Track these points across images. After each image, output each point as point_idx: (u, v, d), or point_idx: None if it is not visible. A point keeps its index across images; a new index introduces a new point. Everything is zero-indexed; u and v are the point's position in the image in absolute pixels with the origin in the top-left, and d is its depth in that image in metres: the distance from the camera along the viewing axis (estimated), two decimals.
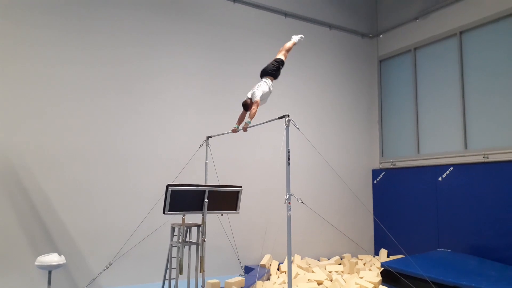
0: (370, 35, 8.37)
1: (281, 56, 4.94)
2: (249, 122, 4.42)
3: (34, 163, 5.10)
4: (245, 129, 4.51)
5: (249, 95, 4.58)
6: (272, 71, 4.80)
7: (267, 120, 4.38)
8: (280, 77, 7.07)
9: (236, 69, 6.73)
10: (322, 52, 7.76)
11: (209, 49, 6.53)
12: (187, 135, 6.05)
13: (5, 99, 5.03)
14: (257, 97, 4.48)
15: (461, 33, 6.74)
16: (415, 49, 7.59)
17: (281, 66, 4.87)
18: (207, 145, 5.36)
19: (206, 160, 5.31)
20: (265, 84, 4.66)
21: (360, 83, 8.19)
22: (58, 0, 5.43)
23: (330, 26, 7.85)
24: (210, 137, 5.37)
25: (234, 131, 4.66)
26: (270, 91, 4.69)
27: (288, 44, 5.07)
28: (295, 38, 5.21)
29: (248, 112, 4.50)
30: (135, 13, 5.95)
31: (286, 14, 7.32)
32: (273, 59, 4.91)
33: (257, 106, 4.47)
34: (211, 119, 6.33)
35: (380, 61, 8.34)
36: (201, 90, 6.39)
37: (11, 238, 4.88)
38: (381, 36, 8.29)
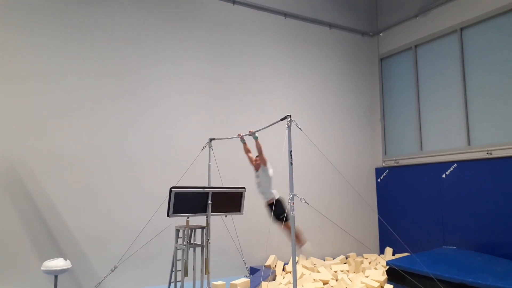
0: (371, 34, 8.36)
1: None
2: (256, 137, 4.66)
3: (38, 168, 5.12)
4: (250, 134, 4.63)
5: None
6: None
7: (269, 122, 4.38)
8: (281, 78, 7.16)
9: (238, 71, 6.74)
10: (323, 51, 7.76)
11: (210, 51, 6.55)
12: (190, 137, 6.07)
13: (8, 104, 5.06)
14: (268, 164, 4.81)
15: (461, 29, 6.73)
16: (415, 46, 7.57)
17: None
18: (210, 147, 5.38)
19: (209, 162, 5.32)
20: (274, 190, 4.86)
21: (361, 81, 8.18)
22: (59, 6, 5.46)
23: (330, 25, 7.85)
24: (213, 139, 5.38)
25: (240, 136, 4.85)
26: (269, 189, 4.87)
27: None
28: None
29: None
30: (137, 18, 5.98)
31: (285, 15, 7.33)
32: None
33: (257, 157, 4.81)
34: (213, 121, 6.35)
35: (381, 59, 8.33)
36: (203, 93, 6.41)
37: (16, 244, 4.90)
38: (381, 34, 8.28)
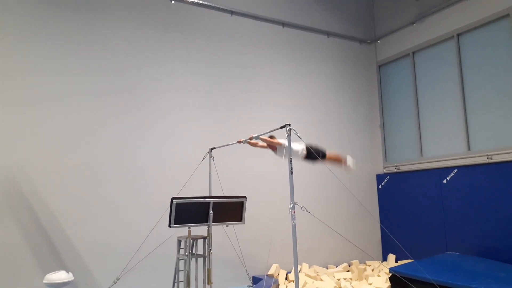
0: (368, 41, 8.42)
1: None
2: (257, 138, 4.49)
3: (38, 180, 5.14)
4: (251, 139, 4.59)
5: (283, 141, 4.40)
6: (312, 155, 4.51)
7: (269, 130, 4.39)
8: (280, 86, 7.20)
9: (237, 80, 6.79)
10: (321, 59, 7.81)
11: (209, 61, 6.60)
12: (190, 148, 6.09)
13: (9, 116, 5.08)
14: (282, 141, 4.35)
15: (458, 35, 6.78)
16: (413, 53, 7.62)
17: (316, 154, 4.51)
18: (210, 156, 5.39)
19: (210, 171, 5.33)
20: (301, 147, 4.47)
21: (360, 88, 8.22)
22: (59, 21, 5.52)
23: (328, 33, 7.91)
24: (213, 148, 5.40)
25: (240, 141, 4.79)
26: (297, 153, 4.47)
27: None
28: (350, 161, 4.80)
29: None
30: (136, 31, 6.03)
31: (283, 24, 7.39)
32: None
33: (270, 144, 4.49)
34: (213, 130, 6.37)
35: (379, 66, 8.38)
36: (202, 103, 6.44)
37: (18, 256, 4.90)
38: (379, 41, 8.34)
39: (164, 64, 6.19)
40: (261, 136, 4.53)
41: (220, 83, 6.64)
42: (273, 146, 4.58)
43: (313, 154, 4.48)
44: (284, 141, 4.36)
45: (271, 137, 4.57)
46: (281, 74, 7.29)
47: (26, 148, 5.13)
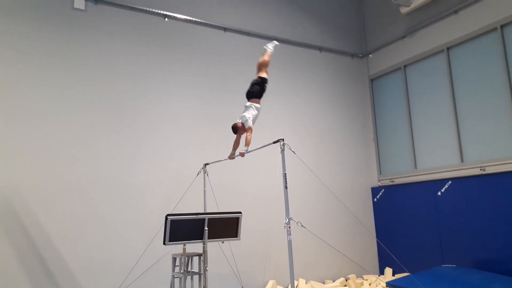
0: (360, 55, 8.53)
1: (263, 74, 4.86)
2: (246, 150, 4.47)
3: (31, 198, 5.07)
4: (242, 155, 4.57)
5: (239, 120, 4.61)
6: (259, 92, 4.79)
7: (262, 145, 4.41)
8: (273, 101, 7.24)
9: (230, 96, 6.81)
10: (314, 74, 7.88)
11: (203, 77, 6.64)
12: (184, 163, 6.07)
13: (3, 134, 5.05)
14: (250, 123, 4.53)
15: (448, 49, 6.89)
16: (405, 66, 7.72)
17: (265, 85, 4.84)
18: (204, 172, 5.38)
19: (204, 187, 5.32)
20: (253, 108, 4.69)
21: (353, 102, 8.28)
22: (56, 40, 5.54)
23: (320, 48, 8.00)
24: (207, 164, 5.39)
25: (231, 157, 4.73)
26: (258, 113, 4.75)
27: (266, 58, 4.96)
28: (269, 47, 5.05)
29: (245, 139, 4.54)
30: (130, 48, 6.07)
31: (276, 40, 7.45)
32: (255, 78, 4.86)
33: (251, 132, 4.52)
34: (207, 146, 6.37)
35: (372, 80, 8.47)
36: (196, 118, 6.46)
37: (10, 276, 4.81)
38: (370, 55, 8.45)
39: (157, 80, 6.22)
40: (248, 137, 4.53)
41: (213, 99, 6.67)
42: (245, 129, 4.60)
43: (259, 91, 4.75)
44: (247, 117, 4.57)
45: (238, 128, 4.59)
46: (274, 89, 7.31)
47: (18, 166, 5.08)
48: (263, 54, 5.01)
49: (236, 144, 4.77)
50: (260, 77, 4.84)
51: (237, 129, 4.58)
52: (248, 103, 4.78)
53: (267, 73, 4.89)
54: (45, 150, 5.27)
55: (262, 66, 4.92)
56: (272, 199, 6.39)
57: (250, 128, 4.52)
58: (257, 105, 4.77)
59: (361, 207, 7.82)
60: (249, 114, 4.61)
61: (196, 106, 6.49)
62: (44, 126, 5.31)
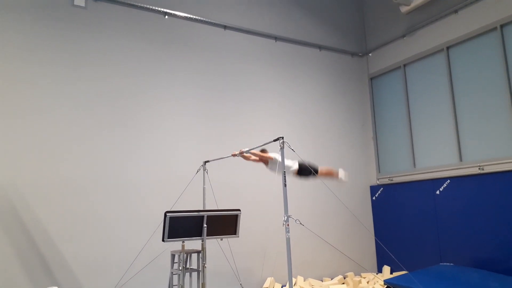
0: (360, 54, 8.53)
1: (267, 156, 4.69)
2: (247, 152, 4.55)
3: (30, 196, 5.09)
4: (241, 152, 4.60)
5: (276, 157, 4.53)
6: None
7: (262, 143, 4.42)
8: (273, 99, 7.25)
9: (230, 94, 6.83)
10: (314, 72, 7.89)
11: (203, 75, 6.64)
12: (184, 161, 6.08)
13: (1, 131, 5.06)
14: (273, 155, 4.53)
15: (447, 48, 6.90)
16: (404, 65, 7.73)
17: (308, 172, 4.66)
18: (204, 169, 5.39)
19: (203, 185, 5.33)
20: (293, 162, 4.65)
21: (352, 101, 8.30)
22: (55, 37, 5.54)
23: (320, 47, 8.01)
24: (207, 161, 5.41)
25: (234, 154, 4.82)
26: (288, 168, 4.57)
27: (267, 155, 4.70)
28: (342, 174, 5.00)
29: (255, 155, 4.64)
30: (129, 45, 6.07)
31: (276, 38, 7.48)
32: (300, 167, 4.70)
33: (260, 158, 4.61)
34: (207, 144, 6.38)
35: (371, 79, 8.48)
36: (196, 116, 6.47)
37: (9, 273, 4.83)
38: (370, 54, 8.46)
39: (156, 77, 6.22)
40: (252, 151, 4.58)
41: (213, 96, 6.68)
42: (264, 160, 4.64)
43: (306, 171, 4.59)
44: (276, 155, 4.44)
45: (263, 150, 4.64)
46: (274, 87, 7.35)
47: (17, 164, 5.09)
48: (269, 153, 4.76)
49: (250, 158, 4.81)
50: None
51: (264, 151, 4.63)
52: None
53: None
54: (44, 147, 5.28)
55: (262, 157, 4.75)
56: (271, 196, 6.41)
57: (269, 157, 4.57)
58: (295, 165, 4.68)
59: (359, 205, 7.84)
60: (284, 158, 4.50)
61: (196, 103, 6.50)
62: (43, 123, 5.32)
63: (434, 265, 6.26)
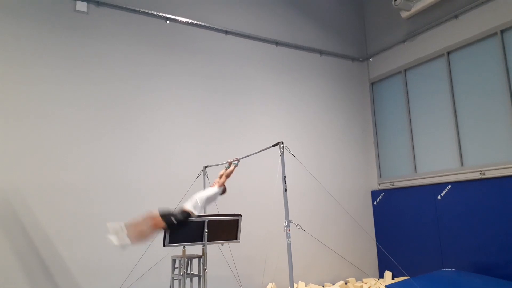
0: (360, 59, 8.55)
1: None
2: (236, 164, 4.53)
3: (30, 199, 5.08)
4: (236, 159, 4.60)
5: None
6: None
7: (262, 148, 4.42)
8: (274, 104, 7.26)
9: (230, 98, 6.84)
10: (314, 77, 7.91)
11: (204, 80, 6.66)
12: (184, 165, 6.08)
13: (2, 135, 5.07)
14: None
15: (448, 53, 6.91)
16: (405, 70, 7.74)
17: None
18: (204, 174, 5.39)
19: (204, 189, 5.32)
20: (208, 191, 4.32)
21: (353, 106, 8.30)
22: (56, 40, 5.57)
23: (321, 52, 8.03)
24: (207, 166, 5.41)
25: (229, 162, 4.82)
26: (215, 196, 4.34)
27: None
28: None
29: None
30: (131, 49, 6.10)
31: (277, 43, 7.50)
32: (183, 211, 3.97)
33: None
34: (207, 148, 6.39)
35: (372, 84, 8.49)
36: (197, 121, 6.47)
37: (10, 276, 4.81)
38: (371, 59, 8.47)
39: (158, 82, 6.24)
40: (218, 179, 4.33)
41: (214, 101, 6.69)
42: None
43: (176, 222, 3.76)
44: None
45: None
46: (275, 92, 7.37)
47: (18, 166, 5.09)
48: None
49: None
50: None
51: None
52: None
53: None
54: (45, 150, 5.28)
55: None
56: (272, 201, 6.40)
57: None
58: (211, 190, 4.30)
59: (361, 210, 7.82)
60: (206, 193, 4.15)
61: (197, 108, 6.51)
62: (44, 126, 5.33)
63: (436, 271, 6.24)
